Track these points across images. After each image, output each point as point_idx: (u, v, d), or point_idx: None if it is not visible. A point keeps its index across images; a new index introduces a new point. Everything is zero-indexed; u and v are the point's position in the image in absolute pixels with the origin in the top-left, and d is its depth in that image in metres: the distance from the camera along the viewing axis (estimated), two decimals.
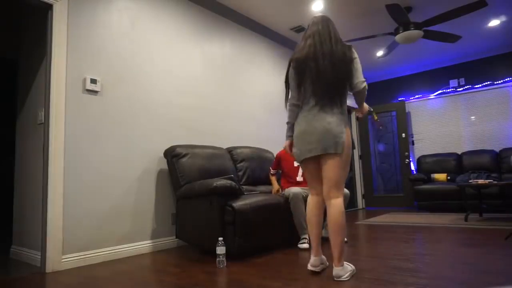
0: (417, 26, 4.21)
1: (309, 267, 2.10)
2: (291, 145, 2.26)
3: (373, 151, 7.07)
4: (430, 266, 2.17)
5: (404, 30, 4.24)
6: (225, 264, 2.40)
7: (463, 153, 6.07)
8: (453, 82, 6.50)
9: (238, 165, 3.63)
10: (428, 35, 4.48)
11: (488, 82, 6.18)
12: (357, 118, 7.12)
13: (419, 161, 6.42)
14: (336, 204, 2.00)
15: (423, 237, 3.22)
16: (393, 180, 6.83)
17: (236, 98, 4.28)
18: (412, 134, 6.86)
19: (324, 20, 2.16)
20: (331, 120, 2.01)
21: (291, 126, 2.24)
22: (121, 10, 3.17)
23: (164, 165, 3.32)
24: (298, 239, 3.06)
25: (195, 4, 3.91)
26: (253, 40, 4.71)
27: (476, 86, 6.27)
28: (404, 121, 6.63)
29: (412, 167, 6.69)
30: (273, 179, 3.54)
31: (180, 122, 3.55)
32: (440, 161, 6.17)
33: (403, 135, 6.62)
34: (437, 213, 5.21)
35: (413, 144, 6.84)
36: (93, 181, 2.79)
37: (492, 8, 4.57)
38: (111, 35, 3.06)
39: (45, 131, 2.63)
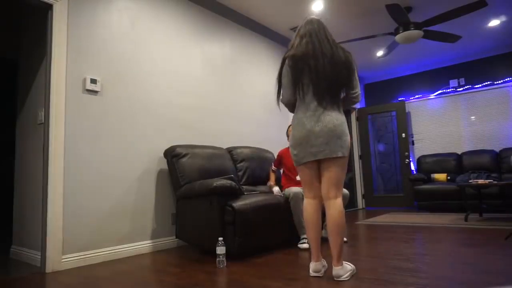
0: (417, 26, 4.21)
1: (312, 273, 2.05)
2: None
3: (373, 151, 7.07)
4: (430, 266, 2.17)
5: (404, 30, 4.24)
6: (225, 264, 2.40)
7: (463, 153, 6.07)
8: (453, 82, 6.50)
9: (238, 165, 3.63)
10: (428, 35, 4.48)
11: (488, 82, 6.18)
12: (357, 119, 7.12)
13: (419, 161, 6.42)
14: (336, 205, 1.98)
15: (423, 237, 3.22)
16: (393, 180, 6.82)
17: (236, 98, 4.28)
18: (412, 134, 6.86)
19: (319, 22, 2.13)
20: (337, 123, 1.99)
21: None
22: (121, 10, 3.17)
23: (164, 165, 3.32)
24: (298, 239, 3.06)
25: (195, 4, 3.91)
26: (253, 40, 4.71)
27: (476, 86, 6.27)
28: (404, 121, 6.63)
29: (412, 167, 6.69)
30: (272, 174, 3.58)
31: (180, 122, 3.55)
32: (440, 161, 6.17)
33: (403, 135, 6.62)
34: (437, 213, 5.21)
35: (413, 144, 6.84)
36: (93, 181, 2.79)
37: (492, 8, 4.57)
38: (111, 35, 3.07)
39: (45, 131, 2.63)
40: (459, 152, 6.30)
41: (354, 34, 5.16)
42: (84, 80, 2.82)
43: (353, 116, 7.15)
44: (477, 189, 4.59)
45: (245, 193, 3.17)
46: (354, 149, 7.12)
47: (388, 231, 3.69)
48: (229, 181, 2.68)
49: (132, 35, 3.23)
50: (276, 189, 3.31)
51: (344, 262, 2.01)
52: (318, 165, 2.07)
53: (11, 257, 3.01)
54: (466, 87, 6.38)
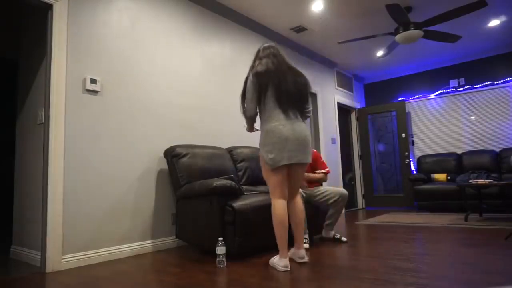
0: (417, 26, 4.21)
1: (283, 269, 2.21)
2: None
3: (373, 151, 7.07)
4: (430, 266, 2.17)
5: (404, 30, 4.24)
6: (225, 264, 2.40)
7: (463, 153, 6.07)
8: (453, 82, 6.50)
9: (238, 165, 3.63)
10: (428, 35, 4.48)
11: (488, 82, 6.18)
12: (357, 119, 7.11)
13: (419, 161, 6.42)
14: (300, 202, 2.45)
15: (423, 237, 3.22)
16: (393, 180, 6.83)
17: (236, 98, 4.27)
18: (412, 134, 6.86)
19: (276, 47, 2.45)
20: (307, 133, 2.33)
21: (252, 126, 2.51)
22: (121, 10, 3.17)
23: (164, 165, 3.32)
24: None
25: (195, 4, 3.91)
26: (253, 40, 4.71)
27: (476, 86, 6.27)
28: (404, 121, 6.63)
29: (412, 167, 6.69)
30: None
31: (180, 122, 3.55)
32: (440, 161, 6.17)
33: (403, 135, 6.62)
34: (437, 213, 5.21)
35: (413, 144, 6.85)
36: (93, 181, 2.79)
37: (492, 8, 4.57)
38: (111, 35, 3.07)
39: (45, 131, 2.63)
40: (459, 152, 6.30)
41: (354, 34, 5.16)
42: (84, 80, 2.82)
43: (353, 116, 7.15)
44: (477, 189, 4.59)
45: (245, 193, 3.16)
46: (354, 149, 7.12)
47: (388, 231, 3.69)
48: (229, 181, 2.68)
49: (132, 35, 3.23)
50: None
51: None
52: (287, 170, 2.34)
53: (11, 257, 3.01)
54: (466, 87, 6.38)
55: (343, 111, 6.97)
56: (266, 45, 2.47)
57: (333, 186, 3.77)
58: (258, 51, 2.47)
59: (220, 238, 2.43)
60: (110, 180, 2.91)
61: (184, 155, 3.14)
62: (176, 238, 3.13)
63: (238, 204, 2.63)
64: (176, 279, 2.12)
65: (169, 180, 3.36)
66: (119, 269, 2.47)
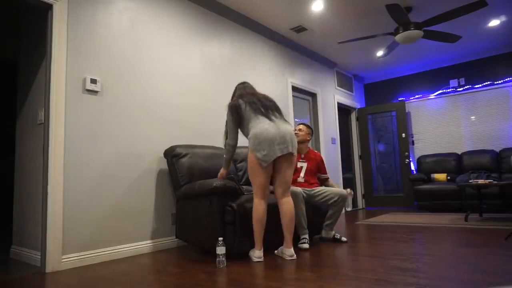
0: (417, 26, 4.21)
1: (256, 259, 2.48)
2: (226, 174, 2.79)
3: (373, 151, 7.07)
4: (430, 266, 2.17)
5: (404, 30, 4.24)
6: (225, 264, 2.40)
7: (463, 153, 6.07)
8: (453, 82, 6.50)
9: (238, 165, 3.63)
10: (428, 35, 4.48)
11: (488, 82, 6.18)
12: (357, 118, 7.11)
13: (419, 161, 6.42)
14: (290, 201, 2.59)
15: (423, 237, 3.22)
16: (393, 180, 6.83)
17: None
18: (412, 134, 6.86)
19: (248, 83, 2.84)
20: (291, 130, 2.58)
21: (229, 160, 2.73)
22: (121, 10, 3.17)
23: (164, 165, 3.32)
24: (298, 239, 3.05)
25: (195, 4, 3.91)
26: (253, 40, 4.71)
27: (476, 86, 6.27)
28: (404, 121, 6.63)
29: (412, 167, 6.69)
30: None
31: (180, 122, 3.55)
32: (440, 161, 6.17)
33: (403, 135, 6.62)
34: (437, 213, 5.21)
35: (413, 144, 6.85)
36: (93, 181, 2.79)
37: (492, 8, 4.57)
38: (111, 35, 3.07)
39: (45, 131, 2.63)
40: (459, 152, 6.30)
41: (354, 34, 5.16)
42: (84, 80, 2.82)
43: (353, 116, 7.15)
44: (477, 189, 4.59)
45: (245, 193, 3.16)
46: (354, 149, 7.12)
47: (388, 231, 3.69)
48: (229, 181, 2.68)
49: (132, 35, 3.23)
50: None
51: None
52: (278, 166, 2.54)
53: (11, 257, 3.01)
54: (466, 87, 6.38)
55: (343, 111, 6.97)
56: (240, 84, 2.87)
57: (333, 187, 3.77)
58: (235, 90, 2.85)
59: (220, 238, 2.43)
60: (110, 180, 2.91)
61: (184, 155, 3.14)
62: (176, 238, 3.13)
63: (238, 204, 2.63)
64: (176, 279, 2.12)
65: (169, 180, 3.36)
66: (119, 269, 2.47)
